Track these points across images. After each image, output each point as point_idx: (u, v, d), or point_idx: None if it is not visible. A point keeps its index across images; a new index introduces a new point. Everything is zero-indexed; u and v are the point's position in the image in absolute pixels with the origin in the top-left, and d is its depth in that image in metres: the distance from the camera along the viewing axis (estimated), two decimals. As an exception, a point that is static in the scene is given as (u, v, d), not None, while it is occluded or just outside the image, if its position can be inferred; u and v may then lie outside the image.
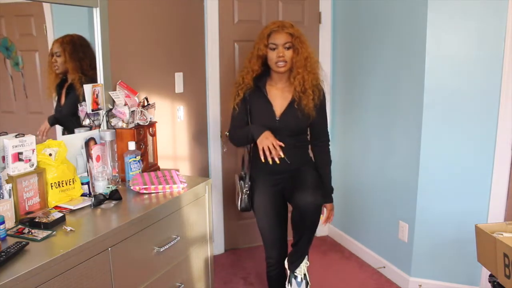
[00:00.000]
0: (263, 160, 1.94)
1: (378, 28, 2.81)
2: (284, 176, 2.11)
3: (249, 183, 2.16)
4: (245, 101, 2.11)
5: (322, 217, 2.13)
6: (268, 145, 1.92)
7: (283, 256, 2.17)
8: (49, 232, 1.39)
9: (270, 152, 1.92)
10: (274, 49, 2.00)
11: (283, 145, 1.94)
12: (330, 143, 2.22)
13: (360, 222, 3.15)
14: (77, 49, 1.94)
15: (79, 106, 1.95)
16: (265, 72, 2.10)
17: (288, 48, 2.00)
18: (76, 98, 1.94)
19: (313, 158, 2.22)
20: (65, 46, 1.88)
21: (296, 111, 2.05)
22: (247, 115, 2.12)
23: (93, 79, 1.99)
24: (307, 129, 2.17)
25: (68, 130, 1.92)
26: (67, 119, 1.95)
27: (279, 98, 2.09)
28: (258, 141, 1.96)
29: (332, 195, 2.22)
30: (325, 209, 2.20)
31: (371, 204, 3.01)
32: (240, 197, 2.16)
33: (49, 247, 1.32)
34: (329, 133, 2.24)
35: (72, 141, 1.84)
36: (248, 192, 2.15)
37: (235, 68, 3.05)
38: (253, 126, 2.06)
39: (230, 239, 3.26)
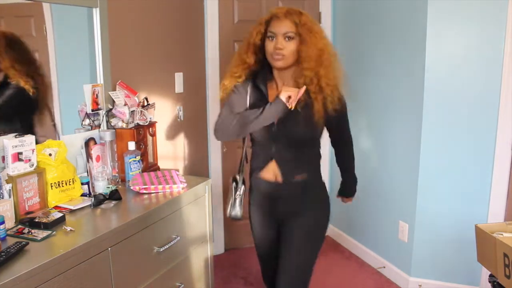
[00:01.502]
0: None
1: (378, 28, 2.81)
2: (280, 206, 1.76)
3: (243, 187, 1.82)
4: (239, 95, 1.72)
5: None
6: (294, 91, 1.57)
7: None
8: (49, 232, 1.39)
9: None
10: (272, 38, 1.63)
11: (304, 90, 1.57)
12: (348, 141, 1.89)
13: (360, 222, 3.15)
14: (10, 45, 1.73)
15: (78, 106, 1.95)
16: (265, 70, 1.74)
17: (290, 39, 1.61)
18: (10, 97, 1.74)
19: (322, 181, 1.83)
20: None
21: (301, 117, 1.64)
22: (246, 103, 1.71)
23: (32, 79, 1.78)
24: (315, 141, 1.75)
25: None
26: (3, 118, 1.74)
27: None
28: (283, 94, 1.57)
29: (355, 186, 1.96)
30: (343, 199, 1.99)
31: (371, 204, 3.01)
32: (231, 202, 1.83)
33: (49, 247, 1.32)
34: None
35: (72, 141, 1.83)
36: (241, 196, 1.81)
37: (235, 68, 3.05)
38: (263, 108, 1.61)
39: (230, 239, 3.26)
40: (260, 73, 1.73)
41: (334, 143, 1.88)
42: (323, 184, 1.83)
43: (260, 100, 1.69)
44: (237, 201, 1.82)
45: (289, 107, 1.57)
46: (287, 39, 1.61)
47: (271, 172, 1.73)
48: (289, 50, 1.61)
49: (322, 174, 1.83)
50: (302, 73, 1.63)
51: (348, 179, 1.95)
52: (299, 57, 1.63)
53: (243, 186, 1.84)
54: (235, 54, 1.78)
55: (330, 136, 1.84)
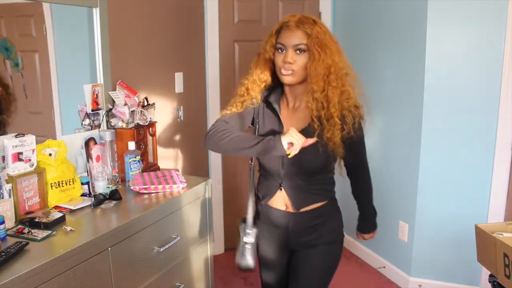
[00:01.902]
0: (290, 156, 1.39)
1: (378, 28, 2.81)
2: (291, 236, 1.60)
3: (254, 231, 1.57)
4: (251, 119, 1.60)
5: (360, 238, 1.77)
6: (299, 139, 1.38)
7: None
8: (49, 232, 1.39)
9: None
10: (282, 50, 1.46)
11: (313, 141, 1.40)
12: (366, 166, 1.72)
13: (360, 222, 3.15)
14: None
15: (78, 106, 1.95)
16: (278, 86, 1.56)
17: (301, 51, 1.43)
18: None
19: (338, 212, 1.70)
20: None
21: (313, 145, 1.42)
22: (245, 125, 1.59)
23: None
24: (328, 168, 1.57)
25: None
26: None
27: (293, 120, 1.54)
28: (287, 138, 1.38)
29: (374, 219, 1.78)
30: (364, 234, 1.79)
31: (371, 204, 3.01)
32: (239, 248, 1.58)
33: (49, 247, 1.32)
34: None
35: (72, 141, 1.83)
36: (253, 244, 1.55)
37: (235, 68, 3.05)
38: (254, 136, 1.50)
39: (230, 239, 3.26)
40: (274, 89, 1.57)
41: (349, 171, 1.69)
42: (338, 212, 1.68)
43: (273, 120, 1.55)
44: (248, 250, 1.56)
45: (288, 154, 1.38)
46: (298, 51, 1.43)
47: (281, 201, 1.57)
48: (299, 65, 1.43)
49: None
50: (309, 92, 1.45)
51: (368, 213, 1.76)
52: (306, 73, 1.45)
53: (254, 230, 1.58)
54: (250, 69, 1.57)
55: (344, 163, 1.62)
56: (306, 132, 1.45)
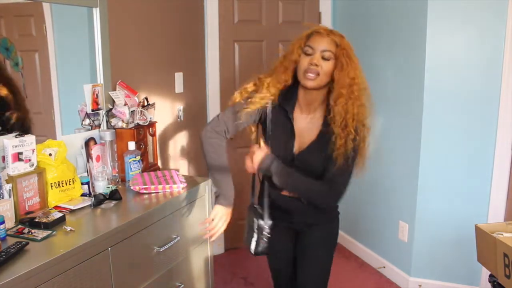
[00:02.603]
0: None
1: (378, 28, 2.81)
2: (297, 218, 1.74)
3: (270, 223, 1.65)
4: (258, 116, 1.64)
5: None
6: (214, 224, 1.61)
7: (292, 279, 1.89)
8: (49, 232, 1.39)
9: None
10: (309, 54, 1.50)
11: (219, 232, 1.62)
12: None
13: (360, 222, 3.15)
14: None
15: (78, 106, 1.95)
16: (293, 91, 1.60)
17: (327, 60, 1.49)
18: None
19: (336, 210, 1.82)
20: None
21: (321, 149, 1.54)
22: (244, 126, 1.66)
23: None
24: None
25: None
26: None
27: (304, 128, 1.60)
28: (212, 213, 1.64)
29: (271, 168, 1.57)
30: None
31: (371, 204, 3.01)
32: (256, 239, 1.67)
33: (49, 247, 1.32)
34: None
35: (72, 141, 1.83)
36: (269, 235, 1.65)
37: (235, 68, 3.05)
38: (224, 178, 1.63)
39: (230, 239, 3.26)
40: (289, 96, 1.60)
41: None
42: (336, 211, 1.83)
43: (285, 128, 1.60)
44: (265, 239, 1.65)
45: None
46: (324, 58, 1.49)
47: (287, 191, 1.69)
48: (324, 70, 1.49)
49: None
50: (335, 99, 1.51)
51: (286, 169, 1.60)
52: (332, 82, 1.52)
53: (270, 222, 1.65)
54: (274, 67, 1.61)
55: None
56: (319, 138, 1.56)
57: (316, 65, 1.48)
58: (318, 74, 1.49)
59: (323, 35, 1.51)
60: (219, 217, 1.64)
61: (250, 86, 1.63)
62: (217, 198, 1.65)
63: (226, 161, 1.64)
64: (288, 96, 1.60)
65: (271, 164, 1.53)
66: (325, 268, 1.81)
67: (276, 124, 1.61)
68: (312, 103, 1.59)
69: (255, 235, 1.66)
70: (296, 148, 1.61)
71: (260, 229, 1.65)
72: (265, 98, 1.58)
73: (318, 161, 1.57)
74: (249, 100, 1.60)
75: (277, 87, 1.57)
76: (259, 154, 1.54)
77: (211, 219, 1.63)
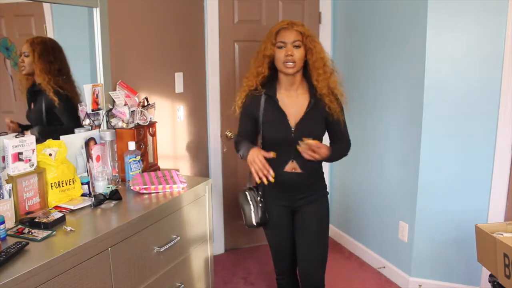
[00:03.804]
0: (258, 181, 1.77)
1: (378, 28, 2.81)
2: (297, 194, 1.94)
3: (261, 193, 1.96)
4: (250, 108, 1.93)
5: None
6: (258, 165, 1.75)
7: (293, 265, 2.09)
8: (49, 232, 1.39)
9: (263, 173, 1.75)
10: (282, 47, 1.82)
11: (273, 155, 1.77)
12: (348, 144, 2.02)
13: (360, 222, 3.15)
14: (47, 51, 1.82)
15: (79, 106, 1.95)
16: (272, 77, 1.93)
17: (298, 47, 1.82)
18: (43, 103, 1.82)
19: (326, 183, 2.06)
20: (35, 46, 1.78)
21: (312, 119, 1.88)
22: (252, 124, 1.95)
23: (62, 87, 1.87)
24: (321, 139, 1.91)
25: (41, 135, 1.77)
26: (36, 124, 1.83)
27: (292, 105, 1.90)
28: (249, 162, 1.79)
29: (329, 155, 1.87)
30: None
31: (371, 204, 3.01)
32: (253, 210, 1.95)
33: (49, 247, 1.32)
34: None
35: (72, 141, 1.83)
36: (262, 201, 1.95)
37: (235, 68, 3.05)
38: (243, 145, 1.88)
39: (230, 239, 3.26)
40: (270, 83, 1.92)
41: (332, 141, 2.04)
42: (322, 171, 2.04)
43: (273, 107, 1.89)
44: (261, 206, 1.95)
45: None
46: (295, 47, 1.82)
47: (289, 168, 1.90)
48: (298, 57, 1.82)
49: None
50: (316, 78, 1.86)
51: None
52: (306, 64, 1.86)
53: (261, 193, 1.97)
54: (250, 65, 1.95)
55: (330, 138, 2.03)
56: (309, 110, 1.87)
57: (291, 55, 1.80)
58: (294, 62, 1.82)
59: (289, 29, 1.83)
60: (255, 156, 1.77)
61: (239, 94, 1.97)
62: (244, 155, 1.86)
63: (245, 143, 1.90)
64: (268, 84, 1.91)
65: (329, 151, 1.84)
66: (324, 243, 2.00)
67: (267, 111, 1.90)
68: (294, 83, 1.91)
69: (252, 207, 1.96)
70: (292, 122, 1.87)
71: (253, 198, 1.96)
72: (246, 92, 1.93)
73: (312, 129, 1.87)
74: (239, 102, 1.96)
75: (256, 79, 1.90)
76: (324, 147, 1.81)
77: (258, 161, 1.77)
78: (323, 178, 2.05)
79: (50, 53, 1.83)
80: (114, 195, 1.71)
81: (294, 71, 1.84)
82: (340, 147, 1.98)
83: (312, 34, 1.86)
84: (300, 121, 1.87)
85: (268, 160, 1.79)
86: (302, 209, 1.97)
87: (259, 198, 1.95)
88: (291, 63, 1.81)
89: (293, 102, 1.90)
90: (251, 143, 1.91)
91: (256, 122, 1.93)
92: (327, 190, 2.05)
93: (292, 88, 1.91)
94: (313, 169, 1.93)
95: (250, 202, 1.96)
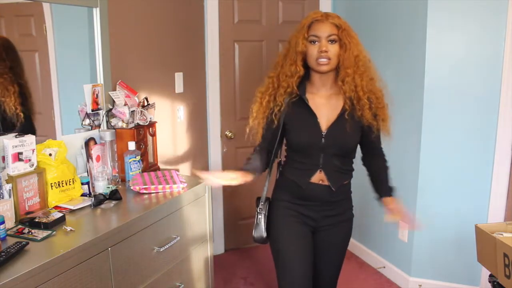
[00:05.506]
0: None
1: (378, 28, 2.81)
2: (321, 211, 1.72)
3: (265, 202, 1.76)
4: (282, 112, 1.68)
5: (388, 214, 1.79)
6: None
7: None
8: (49, 232, 1.39)
9: None
10: (315, 42, 1.58)
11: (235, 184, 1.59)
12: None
13: (360, 222, 3.15)
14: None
15: (78, 106, 1.95)
16: (303, 76, 1.67)
17: (333, 42, 1.57)
18: None
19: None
20: None
21: (346, 124, 1.63)
22: (275, 131, 1.70)
23: (5, 85, 1.72)
24: (355, 151, 1.75)
25: None
26: None
27: (324, 107, 1.66)
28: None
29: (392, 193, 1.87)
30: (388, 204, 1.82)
31: (371, 204, 3.01)
32: (262, 220, 1.75)
33: (49, 247, 1.32)
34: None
35: (72, 141, 1.83)
36: (263, 211, 1.74)
37: (235, 68, 3.05)
38: (249, 164, 1.68)
39: (230, 239, 3.26)
40: (300, 81, 1.67)
41: (365, 159, 1.85)
42: (351, 191, 1.85)
43: (302, 108, 1.66)
44: (261, 217, 1.76)
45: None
46: (330, 42, 1.58)
47: (316, 179, 1.68)
48: (333, 53, 1.58)
49: None
50: (343, 78, 1.61)
51: (386, 190, 1.88)
52: (338, 61, 1.61)
53: (266, 202, 1.79)
54: (282, 64, 1.68)
55: (363, 150, 1.82)
56: (342, 114, 1.64)
57: (326, 51, 1.56)
58: (329, 59, 1.58)
59: (323, 21, 1.59)
60: (214, 182, 1.59)
61: (254, 107, 1.71)
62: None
63: (250, 164, 1.70)
64: (302, 84, 1.67)
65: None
66: (340, 266, 1.89)
67: (294, 114, 1.67)
68: (327, 83, 1.67)
69: (261, 219, 1.75)
70: (323, 126, 1.65)
71: (260, 208, 1.76)
72: (283, 95, 1.66)
73: (345, 136, 1.64)
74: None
75: (291, 79, 1.64)
76: (400, 206, 1.79)
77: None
78: (351, 198, 1.84)
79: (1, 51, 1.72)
80: (114, 195, 1.71)
81: (328, 69, 1.60)
82: (387, 170, 1.88)
83: (349, 27, 1.61)
84: (332, 125, 1.64)
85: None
86: (323, 232, 1.76)
87: (259, 207, 1.76)
88: (325, 59, 1.57)
89: (326, 104, 1.67)
90: (272, 154, 1.74)
91: (279, 126, 1.70)
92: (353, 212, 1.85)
93: (324, 88, 1.67)
94: (343, 184, 1.72)
95: (258, 211, 1.76)
